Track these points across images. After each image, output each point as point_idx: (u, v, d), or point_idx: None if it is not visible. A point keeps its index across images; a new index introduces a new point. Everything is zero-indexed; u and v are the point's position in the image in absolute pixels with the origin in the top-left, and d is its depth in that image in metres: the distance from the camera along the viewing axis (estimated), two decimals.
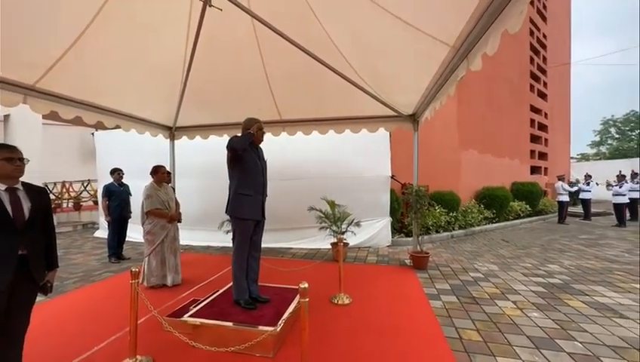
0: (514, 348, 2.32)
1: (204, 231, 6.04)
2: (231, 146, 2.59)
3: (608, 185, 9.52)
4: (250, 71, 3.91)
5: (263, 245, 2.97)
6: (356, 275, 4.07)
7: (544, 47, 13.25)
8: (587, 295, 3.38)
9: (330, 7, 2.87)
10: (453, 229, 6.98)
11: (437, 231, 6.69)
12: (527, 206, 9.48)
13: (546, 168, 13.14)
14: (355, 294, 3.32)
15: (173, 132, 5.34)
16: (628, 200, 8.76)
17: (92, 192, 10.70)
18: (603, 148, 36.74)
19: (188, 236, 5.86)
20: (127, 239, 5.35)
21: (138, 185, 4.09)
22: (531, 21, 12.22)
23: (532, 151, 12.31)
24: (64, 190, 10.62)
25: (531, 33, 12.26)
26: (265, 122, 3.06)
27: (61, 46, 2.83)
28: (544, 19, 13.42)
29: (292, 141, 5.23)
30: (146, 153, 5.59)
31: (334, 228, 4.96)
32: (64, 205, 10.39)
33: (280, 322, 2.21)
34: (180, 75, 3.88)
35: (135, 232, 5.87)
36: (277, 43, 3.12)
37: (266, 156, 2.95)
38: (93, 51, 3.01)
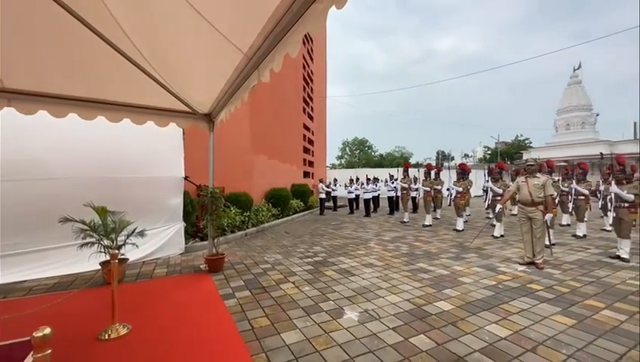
0: (293, 321, 2.80)
1: None
2: None
3: (345, 186, 13.85)
4: None
5: None
6: (138, 296, 3.41)
7: (312, 80, 17.26)
8: (336, 264, 4.69)
9: None
10: (247, 228, 7.49)
11: (232, 231, 6.90)
12: (302, 202, 11.92)
13: (312, 173, 17.13)
14: (135, 320, 2.74)
15: None
16: (354, 196, 13.19)
17: None
18: (342, 161, 53.56)
19: None
20: None
21: None
22: (304, 58, 15.53)
23: (304, 160, 15.68)
24: None
25: (304, 67, 15.59)
26: None
27: None
28: (312, 59, 17.49)
29: (37, 125, 3.59)
30: None
31: (106, 242, 3.85)
32: None
33: None
34: None
35: None
36: None
37: None
38: None
